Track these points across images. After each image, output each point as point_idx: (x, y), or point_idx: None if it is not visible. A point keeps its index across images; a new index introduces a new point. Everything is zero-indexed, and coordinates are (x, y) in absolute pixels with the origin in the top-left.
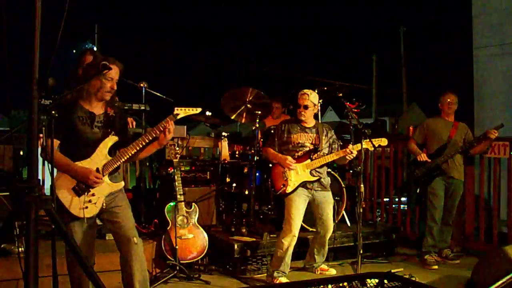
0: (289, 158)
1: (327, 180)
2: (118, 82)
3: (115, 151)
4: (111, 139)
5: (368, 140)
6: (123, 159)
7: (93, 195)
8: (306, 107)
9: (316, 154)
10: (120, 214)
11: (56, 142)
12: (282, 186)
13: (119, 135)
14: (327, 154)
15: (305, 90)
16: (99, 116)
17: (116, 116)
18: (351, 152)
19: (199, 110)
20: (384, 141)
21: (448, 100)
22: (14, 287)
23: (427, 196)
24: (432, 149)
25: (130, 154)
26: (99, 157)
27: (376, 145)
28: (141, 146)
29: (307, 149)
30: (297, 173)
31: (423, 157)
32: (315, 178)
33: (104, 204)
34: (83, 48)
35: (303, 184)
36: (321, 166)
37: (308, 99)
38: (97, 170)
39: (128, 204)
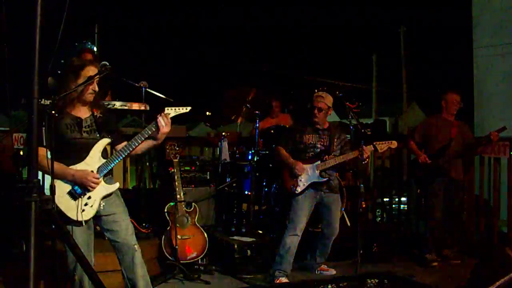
0: (299, 165)
1: (335, 183)
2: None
3: (108, 153)
4: (104, 142)
5: (377, 143)
6: (117, 161)
7: (89, 198)
8: (320, 110)
9: (327, 156)
10: (118, 222)
11: (44, 150)
12: (292, 186)
13: (110, 136)
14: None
15: (320, 93)
16: (86, 120)
17: (104, 116)
18: (365, 153)
19: (188, 108)
20: (394, 144)
21: (455, 99)
22: (15, 287)
23: (427, 196)
24: (433, 149)
25: (123, 155)
26: (93, 160)
27: (385, 148)
28: (133, 147)
29: (318, 150)
30: (307, 174)
31: (425, 159)
32: (325, 179)
33: (102, 206)
34: (81, 48)
35: (312, 185)
36: (332, 167)
37: (323, 102)
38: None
39: (125, 209)
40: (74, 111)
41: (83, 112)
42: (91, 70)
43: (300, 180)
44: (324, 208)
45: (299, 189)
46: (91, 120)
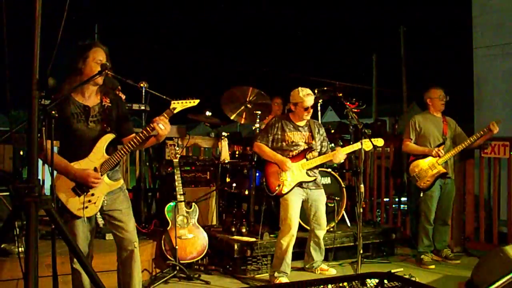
0: (289, 162)
1: (319, 179)
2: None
3: (113, 148)
4: (108, 137)
5: (365, 140)
6: (120, 157)
7: (92, 194)
8: (313, 107)
9: (311, 153)
10: (122, 218)
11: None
12: (277, 186)
13: (117, 128)
14: (319, 152)
15: (309, 90)
16: (93, 109)
17: (113, 106)
18: (338, 156)
19: (196, 101)
20: (380, 142)
21: (439, 95)
22: (14, 287)
23: (423, 197)
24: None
25: (127, 152)
26: (97, 156)
27: (371, 147)
28: (137, 143)
29: (302, 148)
30: (293, 173)
31: (439, 152)
32: (312, 179)
33: (105, 202)
34: (89, 42)
35: (299, 184)
36: (317, 166)
37: (313, 100)
38: (95, 169)
39: (129, 205)
40: (81, 98)
41: (91, 100)
42: (98, 51)
43: (287, 180)
44: (311, 204)
45: (285, 189)
46: (99, 109)
